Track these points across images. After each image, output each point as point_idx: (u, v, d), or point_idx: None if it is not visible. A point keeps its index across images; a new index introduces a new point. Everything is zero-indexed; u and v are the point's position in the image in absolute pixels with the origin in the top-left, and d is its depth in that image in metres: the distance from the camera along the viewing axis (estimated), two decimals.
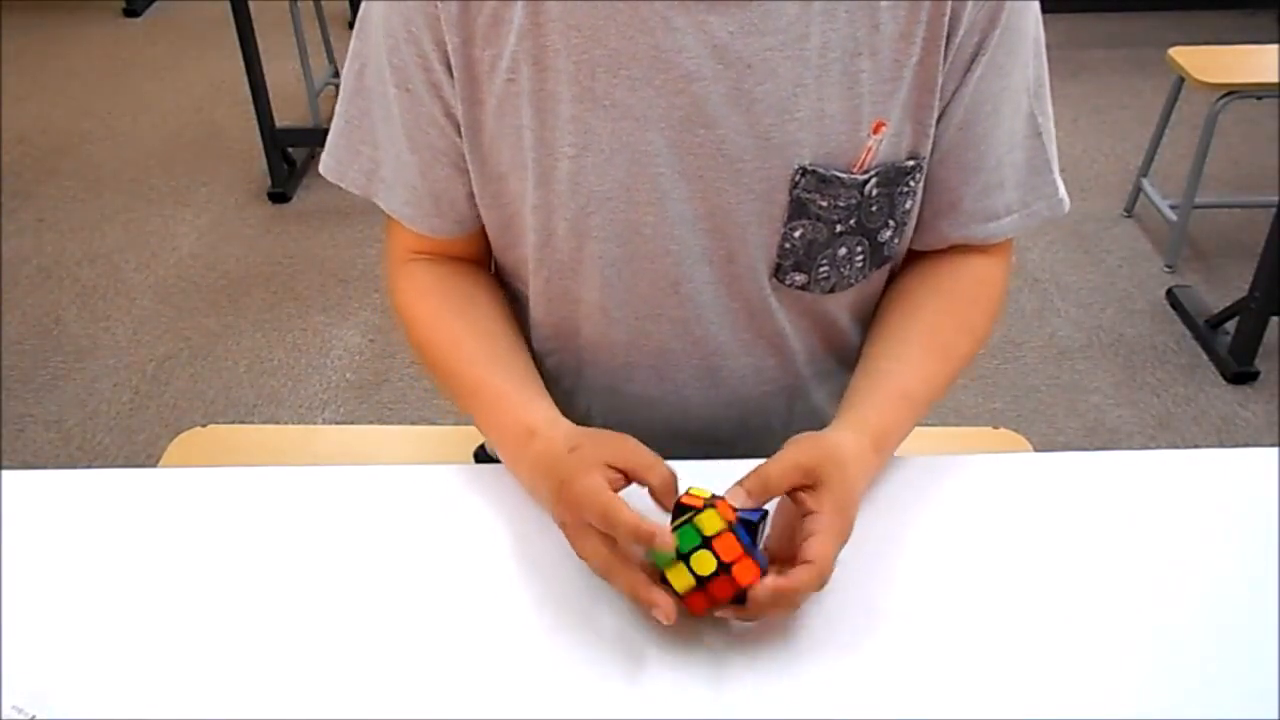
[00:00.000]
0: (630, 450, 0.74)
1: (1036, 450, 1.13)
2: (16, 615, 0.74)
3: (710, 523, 0.67)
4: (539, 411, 0.82)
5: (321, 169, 0.89)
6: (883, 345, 0.87)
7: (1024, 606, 0.74)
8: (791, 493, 0.72)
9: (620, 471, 0.72)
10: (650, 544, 0.66)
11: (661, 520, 0.69)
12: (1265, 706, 0.67)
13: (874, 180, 0.80)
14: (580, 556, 0.71)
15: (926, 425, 1.27)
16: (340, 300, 2.63)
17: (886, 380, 0.84)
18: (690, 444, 0.93)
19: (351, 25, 3.90)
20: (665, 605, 0.66)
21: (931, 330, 0.87)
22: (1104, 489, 0.84)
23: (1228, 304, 2.38)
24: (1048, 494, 0.84)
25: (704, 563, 0.67)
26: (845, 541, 0.71)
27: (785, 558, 0.70)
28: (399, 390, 2.33)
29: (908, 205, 0.84)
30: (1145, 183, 2.86)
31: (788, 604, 0.69)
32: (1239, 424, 2.21)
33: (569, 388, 0.94)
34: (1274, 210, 2.23)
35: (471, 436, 1.15)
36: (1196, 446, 2.16)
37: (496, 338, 0.88)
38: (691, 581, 0.67)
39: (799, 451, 0.73)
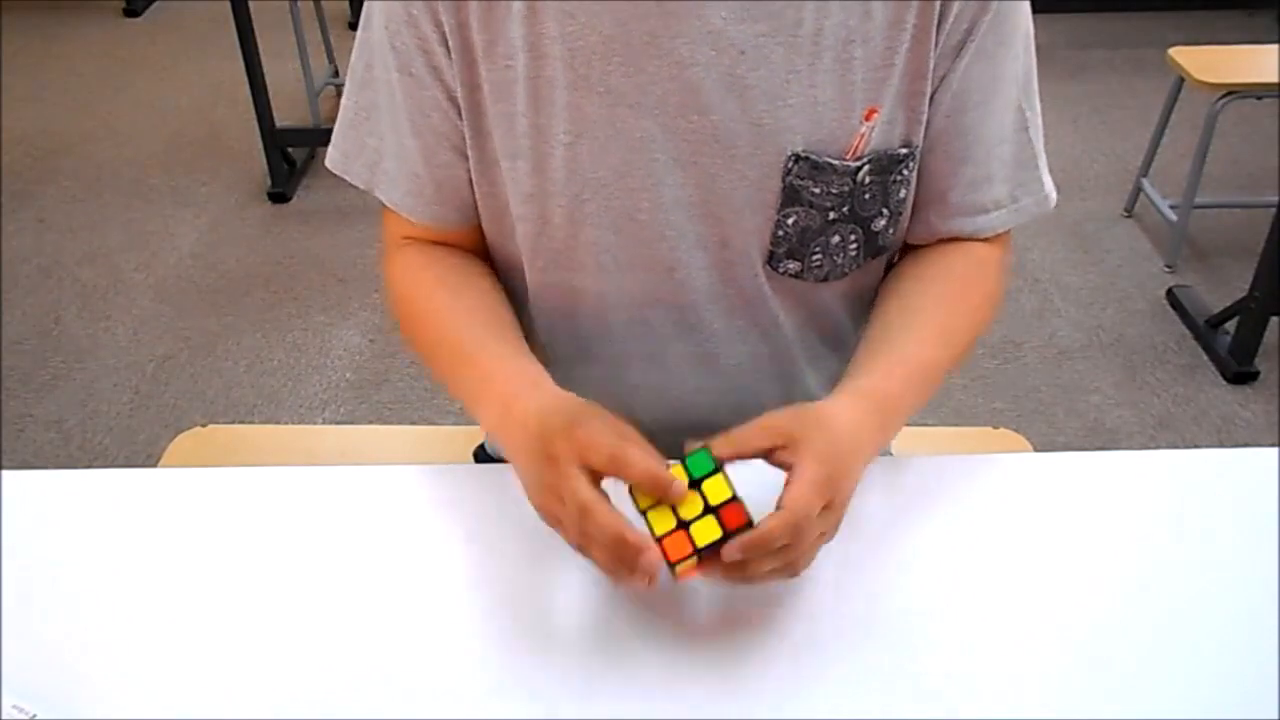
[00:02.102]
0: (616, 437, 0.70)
1: (1036, 450, 1.13)
2: (16, 615, 0.74)
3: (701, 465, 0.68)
4: (529, 373, 0.79)
5: (328, 161, 0.89)
6: (885, 322, 0.86)
7: (1024, 607, 0.74)
8: (770, 457, 0.70)
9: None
10: (666, 495, 0.65)
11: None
12: (1265, 706, 0.67)
13: (867, 168, 0.80)
14: (549, 505, 0.69)
15: (926, 425, 1.28)
16: (340, 300, 2.63)
17: (889, 350, 0.82)
18: (687, 431, 0.92)
19: (352, 25, 3.90)
20: (650, 555, 0.64)
21: (934, 310, 0.86)
22: (1104, 489, 0.84)
23: (1228, 304, 2.38)
24: (1048, 494, 0.84)
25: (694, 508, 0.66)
26: (832, 495, 0.68)
27: None
28: (399, 390, 2.33)
29: (902, 194, 0.84)
30: (1145, 183, 2.86)
31: (766, 557, 0.66)
32: (1239, 424, 2.21)
33: (567, 377, 0.94)
34: (1274, 210, 2.23)
35: (471, 436, 1.15)
36: (1196, 446, 2.16)
37: (485, 308, 0.87)
38: (673, 523, 0.66)
39: (772, 417, 0.72)
